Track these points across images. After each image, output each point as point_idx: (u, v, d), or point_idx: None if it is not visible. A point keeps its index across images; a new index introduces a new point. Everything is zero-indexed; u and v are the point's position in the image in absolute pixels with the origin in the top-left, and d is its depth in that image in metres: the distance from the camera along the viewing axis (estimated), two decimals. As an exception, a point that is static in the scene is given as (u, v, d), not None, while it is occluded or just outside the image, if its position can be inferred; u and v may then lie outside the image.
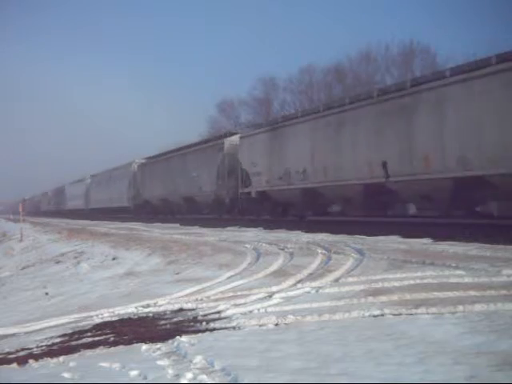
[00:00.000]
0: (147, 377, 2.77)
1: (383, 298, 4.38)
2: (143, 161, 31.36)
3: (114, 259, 9.64)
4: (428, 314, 3.83)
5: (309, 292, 5.00)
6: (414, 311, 3.91)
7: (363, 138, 12.69)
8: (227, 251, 8.81)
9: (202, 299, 5.20)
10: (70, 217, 42.61)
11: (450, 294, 4.38)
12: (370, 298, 4.41)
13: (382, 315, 3.89)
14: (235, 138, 20.28)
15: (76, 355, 3.55)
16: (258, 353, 3.06)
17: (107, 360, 3.16)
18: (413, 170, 11.15)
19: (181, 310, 4.86)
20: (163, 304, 5.17)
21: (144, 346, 3.52)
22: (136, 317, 4.76)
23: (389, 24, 70.17)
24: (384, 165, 11.89)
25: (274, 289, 5.27)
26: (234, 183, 19.53)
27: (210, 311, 4.59)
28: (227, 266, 7.09)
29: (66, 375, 2.93)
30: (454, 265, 5.69)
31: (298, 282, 5.57)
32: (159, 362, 3.05)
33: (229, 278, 6.29)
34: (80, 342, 4.01)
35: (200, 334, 3.71)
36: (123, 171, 33.32)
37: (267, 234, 12.26)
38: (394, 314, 3.88)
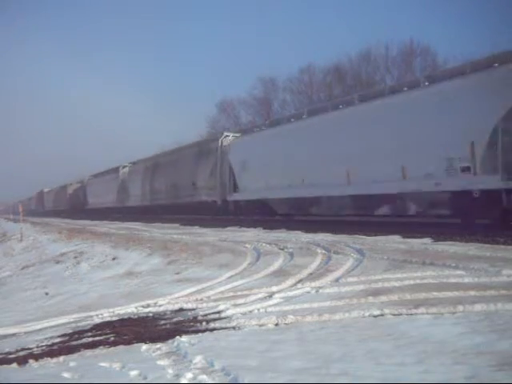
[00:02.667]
0: (147, 377, 2.77)
1: (383, 298, 4.38)
2: None
3: (114, 259, 9.63)
4: (428, 314, 3.83)
5: (309, 292, 5.00)
6: (414, 311, 3.91)
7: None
8: (227, 251, 8.81)
9: (202, 299, 5.20)
10: (71, 216, 42.57)
11: (449, 294, 4.38)
12: (370, 298, 4.41)
13: (382, 315, 3.89)
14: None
15: (76, 355, 3.56)
16: (258, 353, 3.06)
17: (107, 360, 3.16)
18: None
19: (181, 309, 4.86)
20: (163, 304, 5.17)
21: (144, 346, 3.52)
22: (136, 317, 4.76)
23: (389, 24, 70.01)
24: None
25: (274, 289, 5.27)
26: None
27: (210, 311, 4.59)
28: (227, 266, 7.09)
29: (66, 375, 2.93)
30: (453, 265, 5.69)
31: (298, 281, 5.57)
32: (159, 362, 3.05)
33: (229, 277, 6.30)
34: (80, 342, 4.01)
35: (200, 334, 3.71)
36: None
37: (267, 234, 12.26)
38: (394, 314, 3.88)
